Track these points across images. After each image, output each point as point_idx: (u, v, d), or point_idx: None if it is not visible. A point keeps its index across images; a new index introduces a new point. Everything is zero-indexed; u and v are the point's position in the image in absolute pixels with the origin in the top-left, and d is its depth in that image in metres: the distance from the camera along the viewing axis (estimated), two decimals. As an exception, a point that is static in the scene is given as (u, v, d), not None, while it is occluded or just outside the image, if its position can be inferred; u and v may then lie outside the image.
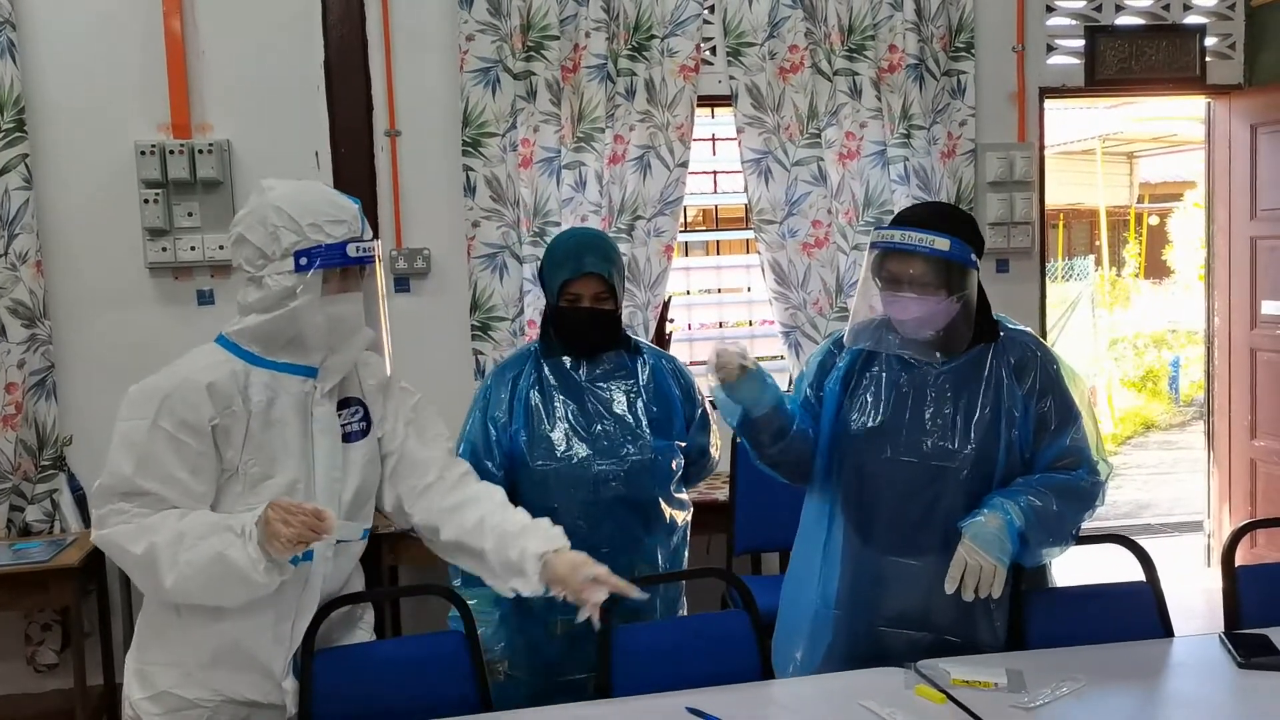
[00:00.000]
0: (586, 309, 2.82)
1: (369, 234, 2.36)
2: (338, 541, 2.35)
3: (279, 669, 2.34)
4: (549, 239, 4.51)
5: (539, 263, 3.04)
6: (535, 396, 2.87)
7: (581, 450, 2.81)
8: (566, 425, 2.84)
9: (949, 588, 2.46)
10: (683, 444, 2.96)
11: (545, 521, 2.43)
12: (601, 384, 2.90)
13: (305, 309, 2.26)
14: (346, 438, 2.40)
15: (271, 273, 2.27)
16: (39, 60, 4.29)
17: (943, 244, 2.51)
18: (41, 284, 4.26)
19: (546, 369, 2.89)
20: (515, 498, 2.71)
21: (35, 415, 4.29)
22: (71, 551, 4.02)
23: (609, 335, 2.90)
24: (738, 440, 4.26)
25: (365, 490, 2.44)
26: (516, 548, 2.34)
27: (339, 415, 2.39)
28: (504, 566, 2.36)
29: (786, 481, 2.80)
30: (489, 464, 2.80)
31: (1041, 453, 2.61)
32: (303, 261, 2.25)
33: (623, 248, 4.56)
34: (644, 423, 2.87)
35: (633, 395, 2.89)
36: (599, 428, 2.84)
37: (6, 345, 4.22)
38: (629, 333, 3.03)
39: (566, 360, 2.89)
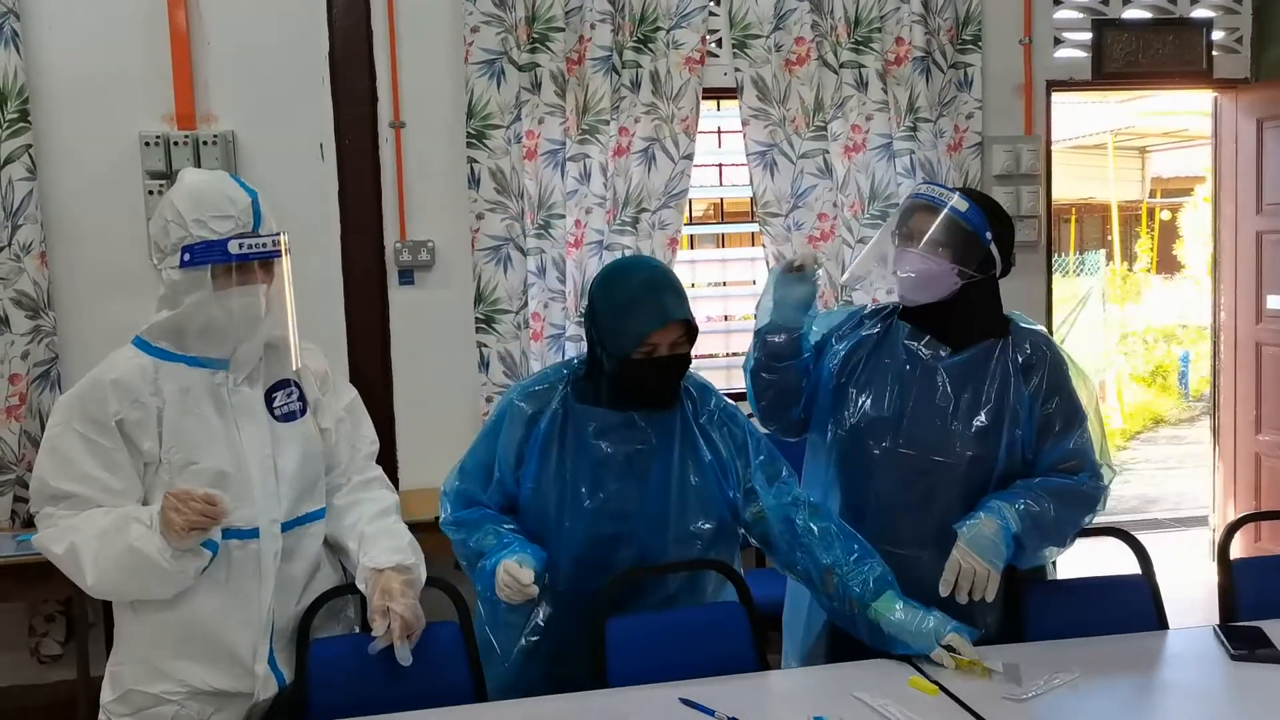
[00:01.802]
0: (665, 359, 2.43)
1: (267, 227, 2.30)
2: (293, 524, 2.37)
3: (246, 652, 2.33)
4: (554, 233, 4.52)
5: (587, 303, 2.53)
6: (554, 448, 2.48)
7: (605, 526, 2.47)
8: (588, 492, 2.46)
9: (943, 590, 2.46)
10: (753, 495, 2.56)
11: (401, 532, 2.46)
12: (642, 442, 2.48)
13: (200, 304, 2.26)
14: (285, 418, 2.41)
15: (166, 268, 2.28)
16: (43, 50, 4.29)
17: (961, 204, 2.53)
18: (45, 275, 4.26)
19: (577, 416, 2.49)
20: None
21: (39, 406, 4.28)
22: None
23: (678, 387, 2.52)
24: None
25: (310, 469, 2.43)
26: (365, 554, 2.40)
27: (275, 397, 2.40)
28: (358, 569, 2.41)
29: (753, 406, 2.78)
30: (481, 494, 2.56)
31: (1044, 455, 2.60)
32: (186, 258, 2.25)
33: (627, 240, 4.57)
34: (696, 487, 2.51)
35: (677, 452, 2.50)
36: (633, 503, 2.47)
37: (10, 336, 4.23)
38: None
39: (603, 412, 2.49)
